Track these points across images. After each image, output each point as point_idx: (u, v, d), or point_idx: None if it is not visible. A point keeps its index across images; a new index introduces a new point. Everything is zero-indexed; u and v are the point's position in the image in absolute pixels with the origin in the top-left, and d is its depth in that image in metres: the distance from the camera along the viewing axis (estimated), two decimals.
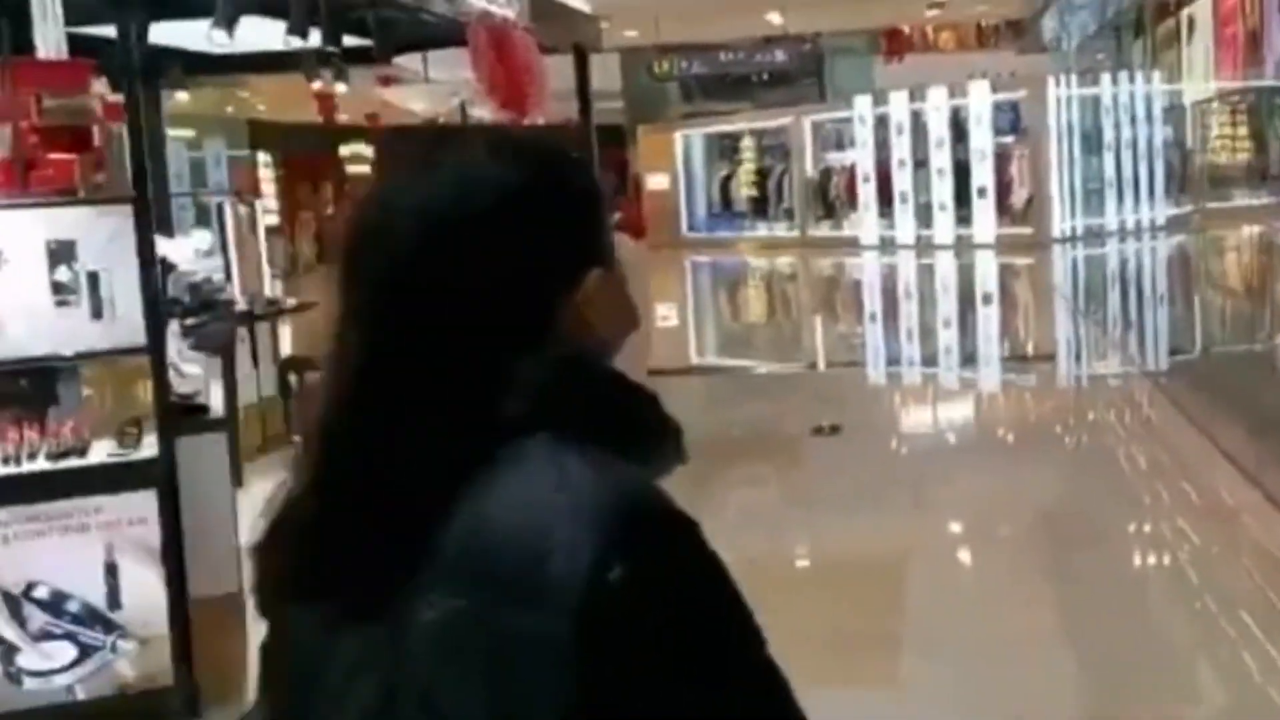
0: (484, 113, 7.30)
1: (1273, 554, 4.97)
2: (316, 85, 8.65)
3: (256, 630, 1.04)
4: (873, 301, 15.75)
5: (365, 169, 27.21)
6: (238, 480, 6.90)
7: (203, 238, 7.36)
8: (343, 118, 22.40)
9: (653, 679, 0.86)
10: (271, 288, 7.87)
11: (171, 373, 4.39)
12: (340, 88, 8.25)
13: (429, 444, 0.91)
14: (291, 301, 8.08)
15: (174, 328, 4.82)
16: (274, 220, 24.06)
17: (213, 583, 4.03)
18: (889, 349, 11.59)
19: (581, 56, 8.25)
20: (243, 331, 7.26)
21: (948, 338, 11.92)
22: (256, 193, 15.78)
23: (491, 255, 0.94)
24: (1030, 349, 11.45)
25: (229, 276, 7.40)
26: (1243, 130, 16.72)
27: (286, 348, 8.22)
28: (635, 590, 0.86)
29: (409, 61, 7.52)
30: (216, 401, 5.07)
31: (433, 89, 7.44)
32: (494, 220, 0.94)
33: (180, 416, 3.88)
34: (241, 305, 7.33)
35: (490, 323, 0.93)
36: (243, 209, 7.74)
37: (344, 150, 26.44)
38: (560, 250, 0.96)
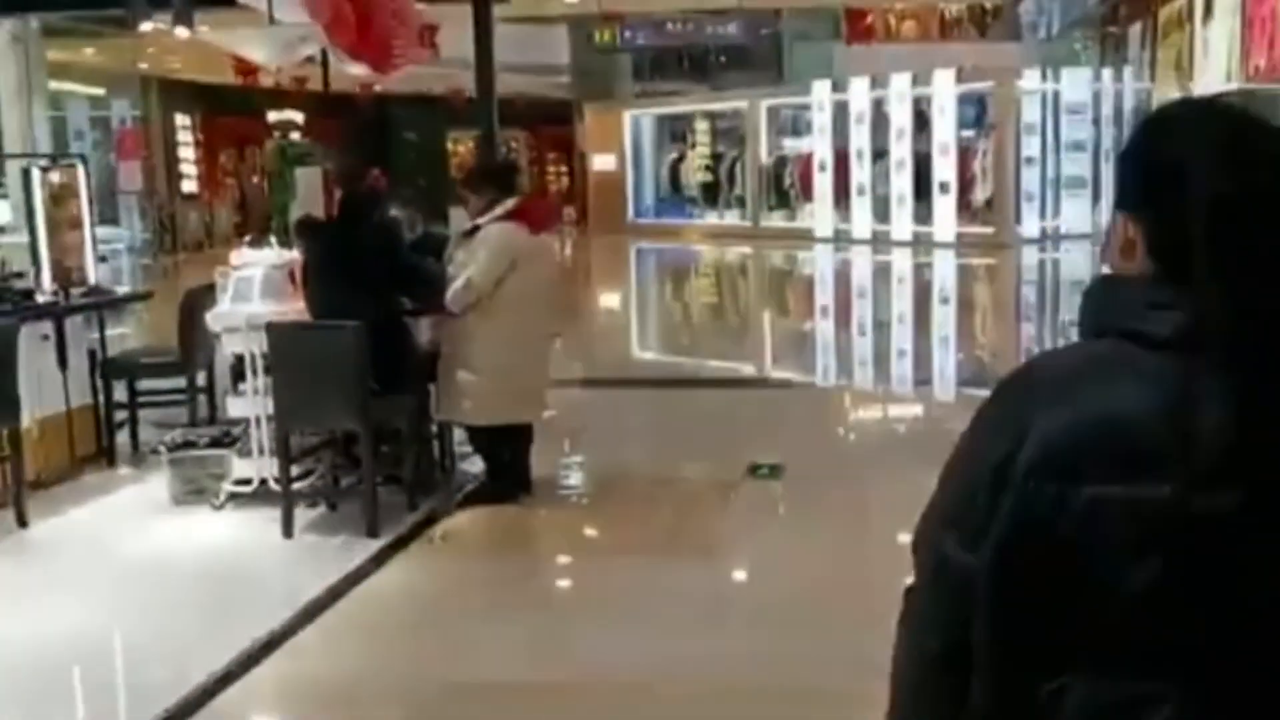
0: (350, 66, 5.90)
1: None
2: (145, 28, 7.20)
3: None
4: (829, 305, 14.52)
5: (295, 135, 25.47)
6: (21, 519, 5.49)
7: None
8: (266, 81, 20.75)
9: None
10: (96, 272, 6.41)
11: None
12: (181, 32, 6.81)
13: None
14: (121, 289, 6.62)
15: None
16: (193, 188, 22.47)
17: None
18: (841, 367, 10.47)
19: (482, 5, 6.69)
20: (48, 328, 5.83)
21: (910, 356, 10.83)
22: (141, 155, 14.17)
23: None
24: (1001, 371, 10.29)
25: (35, 259, 5.98)
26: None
27: (117, 347, 6.75)
28: None
29: (256, 2, 6.08)
30: None
31: (276, 34, 6.01)
32: None
33: None
34: (46, 295, 5.90)
35: None
36: (55, 177, 6.28)
37: (273, 116, 24.66)
38: None
